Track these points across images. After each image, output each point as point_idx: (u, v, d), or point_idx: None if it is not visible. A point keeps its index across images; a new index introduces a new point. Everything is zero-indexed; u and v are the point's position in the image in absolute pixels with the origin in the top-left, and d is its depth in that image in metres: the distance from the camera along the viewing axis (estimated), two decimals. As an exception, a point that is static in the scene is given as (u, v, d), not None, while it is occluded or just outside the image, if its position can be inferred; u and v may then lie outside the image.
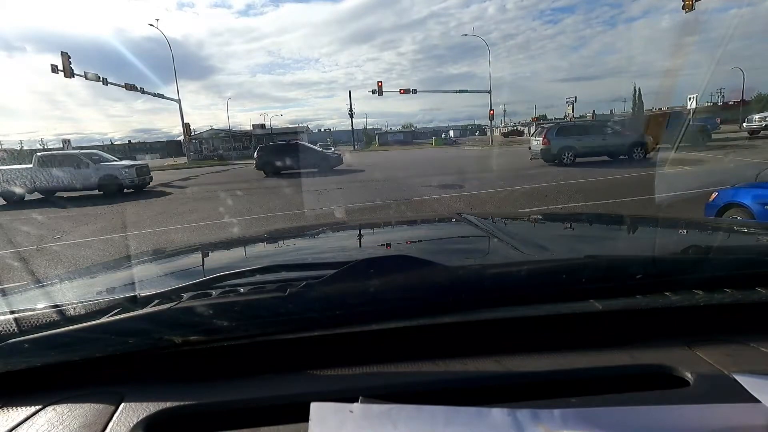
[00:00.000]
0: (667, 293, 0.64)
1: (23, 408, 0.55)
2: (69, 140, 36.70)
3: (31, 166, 13.46)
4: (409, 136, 63.52)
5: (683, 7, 18.85)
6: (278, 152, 17.80)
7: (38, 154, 14.00)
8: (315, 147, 20.78)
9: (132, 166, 14.09)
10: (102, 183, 13.44)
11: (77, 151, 15.45)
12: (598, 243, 1.34)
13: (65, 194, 13.57)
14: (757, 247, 1.03)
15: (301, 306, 0.60)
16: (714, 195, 3.84)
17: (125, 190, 13.54)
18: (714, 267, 0.69)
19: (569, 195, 8.35)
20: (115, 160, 15.01)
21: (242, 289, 0.67)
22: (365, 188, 11.52)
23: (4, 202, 12.98)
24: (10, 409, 0.56)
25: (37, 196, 13.55)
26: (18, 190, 13.19)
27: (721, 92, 48.18)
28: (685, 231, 1.38)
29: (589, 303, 0.62)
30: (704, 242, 1.11)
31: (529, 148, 16.06)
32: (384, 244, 1.38)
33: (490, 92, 35.25)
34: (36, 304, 0.72)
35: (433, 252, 1.26)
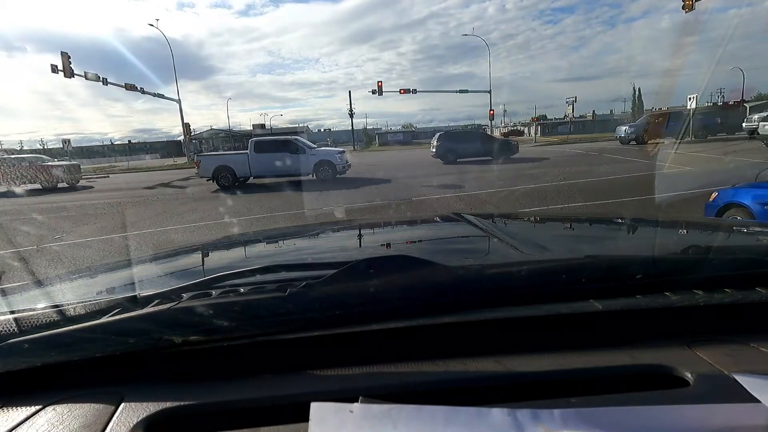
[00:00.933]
0: (667, 293, 0.64)
1: (23, 408, 0.55)
2: (69, 140, 36.66)
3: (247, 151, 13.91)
4: (409, 136, 63.47)
5: (683, 7, 18.86)
6: (458, 140, 18.86)
7: (254, 139, 14.47)
8: (494, 135, 21.39)
9: (342, 151, 14.72)
10: (317, 169, 13.67)
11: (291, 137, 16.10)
12: (598, 243, 1.34)
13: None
14: (756, 247, 1.03)
15: (301, 306, 0.60)
16: (714, 195, 3.84)
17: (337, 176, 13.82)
18: (714, 267, 0.69)
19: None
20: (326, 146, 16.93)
21: (242, 289, 0.67)
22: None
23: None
24: (10, 409, 0.56)
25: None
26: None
27: (721, 92, 48.17)
28: (684, 231, 1.38)
29: (589, 303, 0.62)
30: (704, 242, 1.11)
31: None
32: (384, 244, 1.38)
33: (490, 92, 35.28)
34: (36, 304, 0.72)
35: (432, 252, 1.26)
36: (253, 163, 13.40)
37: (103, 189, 16.53)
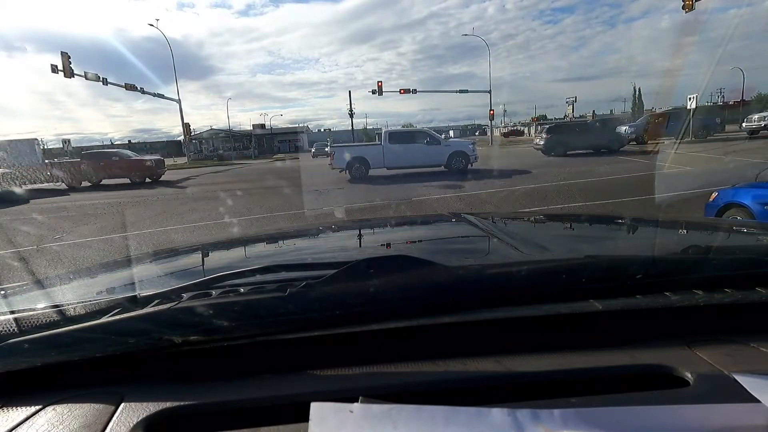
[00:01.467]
0: (667, 293, 0.64)
1: (23, 408, 0.55)
2: (69, 140, 36.76)
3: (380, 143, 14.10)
4: (409, 136, 63.40)
5: (683, 7, 18.86)
6: (569, 132, 19.12)
7: (388, 130, 14.81)
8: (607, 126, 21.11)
9: (473, 143, 15.07)
10: (451, 160, 13.68)
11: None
12: (598, 243, 1.34)
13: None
14: (756, 247, 1.03)
15: (301, 306, 0.60)
16: (714, 195, 3.84)
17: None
18: (714, 267, 0.69)
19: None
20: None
21: (242, 289, 0.67)
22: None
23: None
24: (10, 409, 0.56)
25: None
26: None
27: (721, 92, 48.22)
28: (684, 231, 1.38)
29: (590, 303, 0.62)
30: (704, 242, 1.11)
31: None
32: (384, 244, 1.38)
33: (490, 92, 35.25)
34: (36, 304, 0.72)
35: (432, 252, 1.26)
36: (388, 154, 13.48)
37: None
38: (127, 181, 17.00)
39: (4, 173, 15.06)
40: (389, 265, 0.65)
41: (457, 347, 0.62)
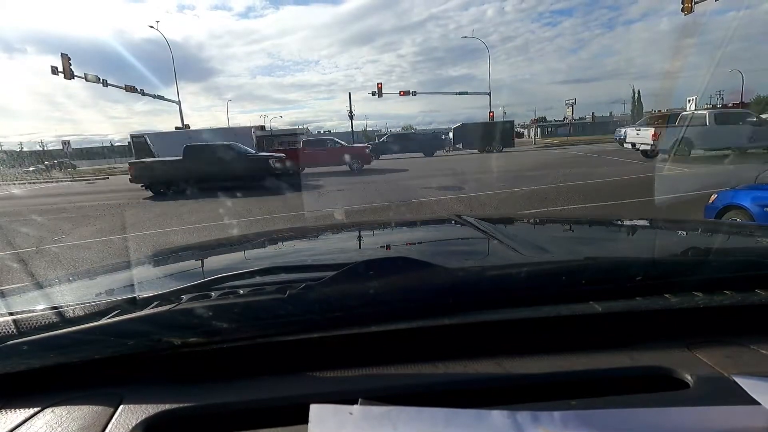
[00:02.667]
0: (666, 295, 0.64)
1: (22, 410, 0.55)
2: (69, 142, 36.65)
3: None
4: (410, 138, 63.53)
5: (682, 10, 18.95)
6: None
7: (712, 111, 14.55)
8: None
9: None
10: None
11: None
12: (598, 244, 1.34)
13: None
14: (756, 249, 1.03)
15: (300, 308, 0.60)
16: (714, 197, 3.84)
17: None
18: (713, 269, 0.69)
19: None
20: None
21: (242, 291, 0.67)
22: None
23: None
24: (8, 410, 0.56)
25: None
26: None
27: (720, 94, 48.26)
28: (684, 233, 1.39)
29: (589, 305, 0.62)
30: (704, 244, 1.11)
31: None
32: (383, 246, 1.38)
33: (489, 94, 35.35)
34: (35, 305, 0.72)
35: (432, 254, 1.26)
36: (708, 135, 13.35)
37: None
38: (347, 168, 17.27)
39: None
40: (389, 267, 0.65)
41: (456, 349, 0.62)
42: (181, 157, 12.79)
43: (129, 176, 13.27)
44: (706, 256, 0.76)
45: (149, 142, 19.50)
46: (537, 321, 0.62)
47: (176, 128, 27.44)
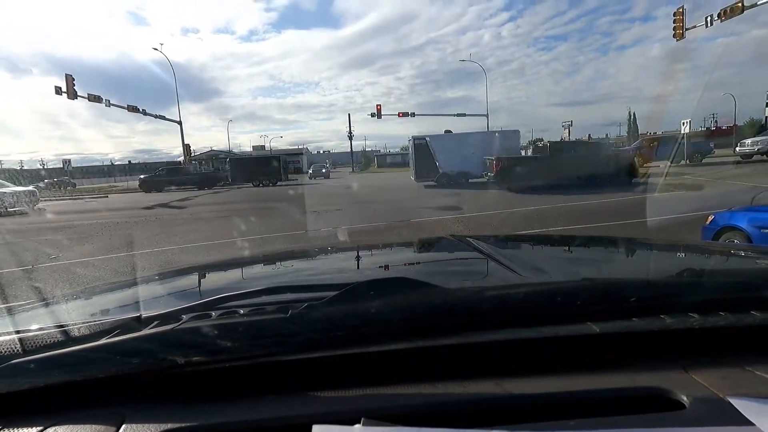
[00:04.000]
0: (663, 316, 0.65)
1: (24, 429, 0.55)
2: (69, 160, 36.88)
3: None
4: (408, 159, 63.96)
5: (674, 36, 19.46)
6: None
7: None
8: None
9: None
10: None
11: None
12: (595, 265, 1.35)
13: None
14: (751, 270, 1.04)
15: (303, 327, 0.61)
16: (710, 218, 3.87)
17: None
18: (709, 290, 0.70)
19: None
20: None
21: (244, 310, 0.68)
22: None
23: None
24: (11, 430, 0.56)
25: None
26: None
27: (714, 117, 48.99)
28: (680, 254, 1.40)
29: (587, 325, 0.63)
30: (699, 265, 1.12)
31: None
32: (383, 266, 1.39)
33: (487, 116, 35.71)
34: (40, 323, 0.73)
35: (431, 274, 1.26)
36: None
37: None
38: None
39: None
40: (389, 287, 0.66)
41: (456, 369, 0.62)
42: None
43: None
44: (701, 278, 0.77)
45: (431, 146, 19.17)
46: (535, 341, 0.63)
47: (184, 147, 27.62)
